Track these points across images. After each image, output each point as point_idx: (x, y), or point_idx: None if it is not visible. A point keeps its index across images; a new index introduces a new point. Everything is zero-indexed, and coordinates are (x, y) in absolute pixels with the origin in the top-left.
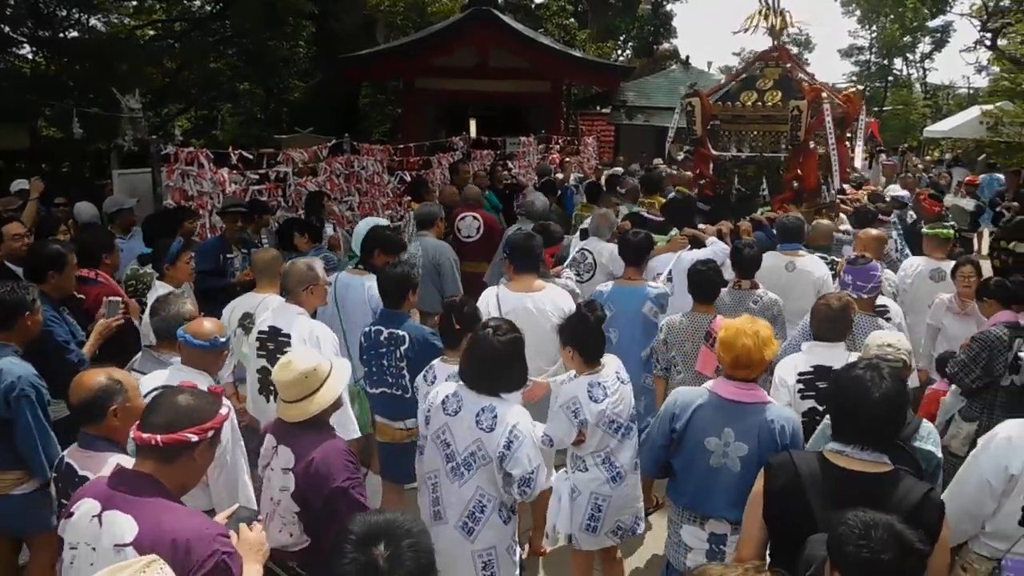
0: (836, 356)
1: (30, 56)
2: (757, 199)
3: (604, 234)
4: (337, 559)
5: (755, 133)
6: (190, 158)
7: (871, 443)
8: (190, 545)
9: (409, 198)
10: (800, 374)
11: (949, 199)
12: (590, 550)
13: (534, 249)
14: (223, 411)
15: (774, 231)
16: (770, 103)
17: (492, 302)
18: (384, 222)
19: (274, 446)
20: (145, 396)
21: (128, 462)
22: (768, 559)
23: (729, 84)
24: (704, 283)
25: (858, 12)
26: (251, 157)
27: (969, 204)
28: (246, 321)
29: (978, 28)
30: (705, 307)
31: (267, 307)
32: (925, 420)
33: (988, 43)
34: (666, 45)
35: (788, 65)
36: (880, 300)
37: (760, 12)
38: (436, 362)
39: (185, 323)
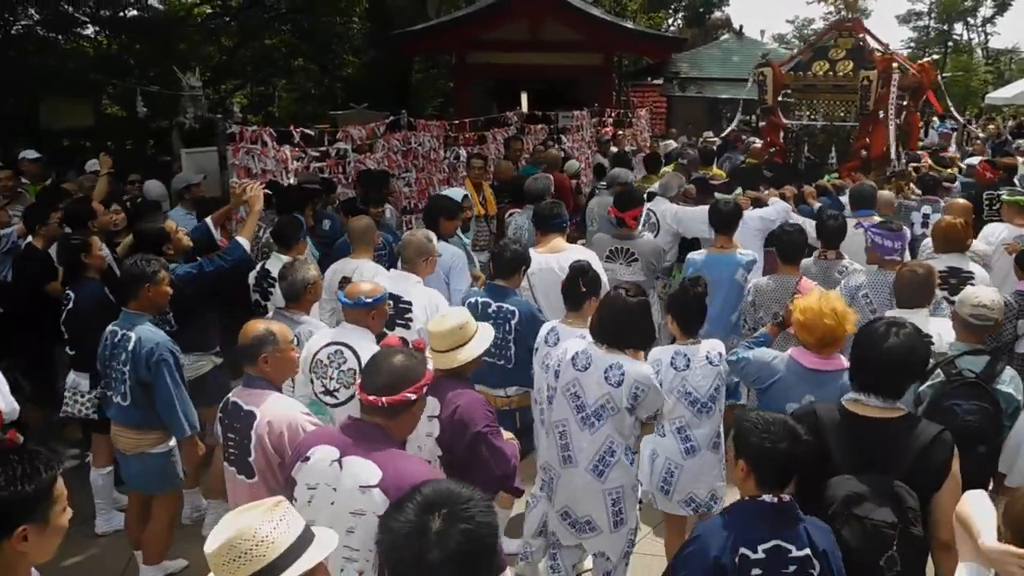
0: (919, 322)
1: (92, 35)
2: (826, 167)
3: (671, 191)
4: (394, 514)
5: (826, 102)
6: (254, 136)
7: (883, 391)
8: None
9: (465, 174)
10: None
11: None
12: (677, 515)
13: (557, 216)
14: (430, 366)
15: (839, 197)
16: (841, 73)
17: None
18: (461, 192)
19: None
20: (319, 350)
21: (279, 400)
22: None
23: (801, 54)
24: (790, 245)
25: None
26: (312, 134)
27: None
28: (344, 284)
29: None
30: (790, 268)
31: (362, 272)
32: (1008, 366)
33: None
34: (718, 14)
35: (862, 36)
36: (969, 266)
37: None
38: (559, 324)
39: (309, 286)
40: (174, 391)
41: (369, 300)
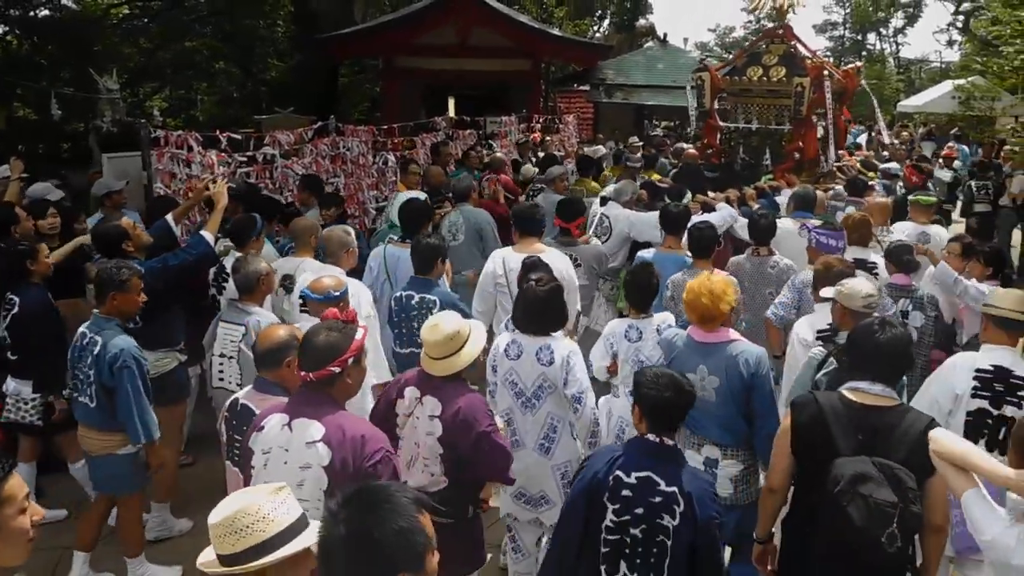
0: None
1: (1, 35)
2: (760, 168)
3: (623, 196)
4: (328, 501)
5: (760, 106)
6: (179, 141)
7: (883, 379)
8: (365, 440)
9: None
10: (818, 331)
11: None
12: None
13: (536, 216)
14: (358, 336)
15: (775, 198)
16: (775, 78)
17: (499, 262)
18: (421, 195)
19: (417, 397)
20: None
21: (278, 411)
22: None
23: (736, 59)
24: (701, 240)
25: None
26: (239, 139)
27: (946, 175)
28: (287, 282)
29: (951, 11)
30: (702, 262)
31: (304, 269)
32: None
33: (960, 25)
34: (642, 22)
35: (793, 43)
36: (872, 257)
37: None
38: (508, 318)
39: (262, 278)
40: (134, 398)
41: (336, 294)
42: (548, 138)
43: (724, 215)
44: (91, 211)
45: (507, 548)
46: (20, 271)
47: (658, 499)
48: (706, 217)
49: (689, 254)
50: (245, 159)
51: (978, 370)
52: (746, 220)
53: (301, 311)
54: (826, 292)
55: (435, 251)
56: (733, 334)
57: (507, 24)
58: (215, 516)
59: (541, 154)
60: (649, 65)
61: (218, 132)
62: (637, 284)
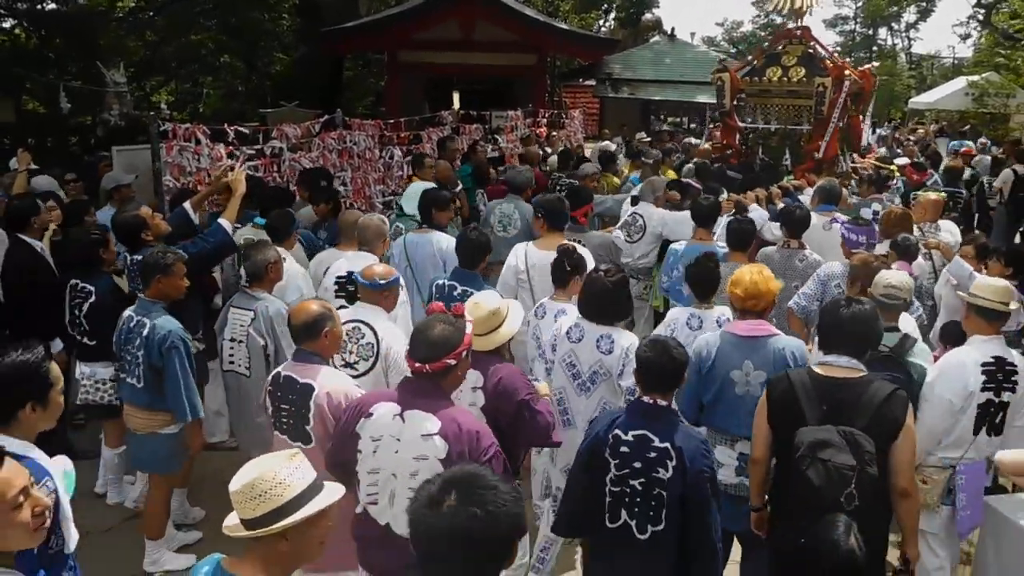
0: None
1: (9, 28)
2: (780, 168)
3: (650, 198)
4: (424, 484)
5: (779, 106)
6: (188, 134)
7: (848, 350)
8: (480, 435)
9: (412, 173)
10: None
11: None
12: None
13: (564, 211)
14: (468, 330)
15: (799, 198)
16: (795, 79)
17: (521, 256)
18: (431, 185)
19: None
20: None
21: (334, 372)
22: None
23: (755, 60)
24: (740, 235)
25: None
26: (246, 132)
27: (965, 174)
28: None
29: (973, 3)
30: (738, 256)
31: (338, 260)
32: (920, 341)
33: (981, 17)
34: (649, 16)
35: (811, 43)
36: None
37: None
38: (546, 300)
39: (270, 265)
40: (182, 377)
41: (383, 282)
42: (554, 133)
43: (757, 216)
44: (101, 204)
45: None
46: (93, 260)
47: (652, 454)
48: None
49: (720, 245)
50: (253, 152)
51: (983, 364)
52: (775, 223)
53: (337, 296)
54: None
55: (481, 247)
56: (773, 328)
57: (512, 18)
58: (236, 483)
59: (548, 149)
60: (656, 60)
61: (226, 125)
62: (699, 274)
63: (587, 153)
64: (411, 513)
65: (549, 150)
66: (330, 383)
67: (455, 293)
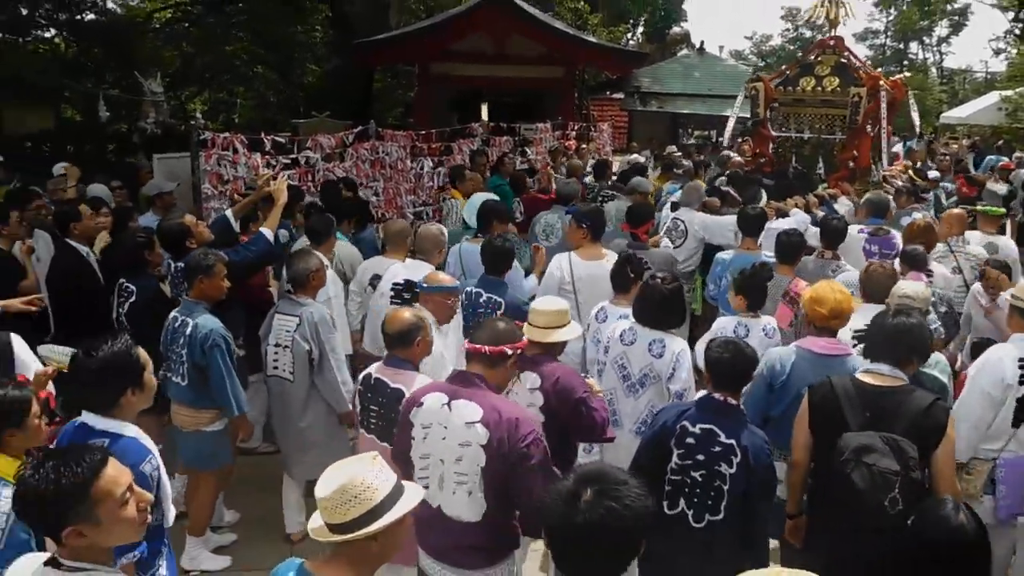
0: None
1: (49, 38)
2: (813, 177)
3: (693, 204)
4: (557, 482)
5: (813, 116)
6: (226, 143)
7: (891, 360)
8: (519, 422)
9: (451, 184)
10: (855, 331)
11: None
12: None
13: (605, 221)
14: (524, 338)
15: (834, 206)
16: (828, 89)
17: (565, 267)
18: (494, 197)
19: (516, 372)
20: None
21: (424, 379)
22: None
23: (788, 70)
24: (789, 247)
25: None
26: (282, 142)
27: (1002, 188)
28: (375, 280)
29: (1010, 17)
30: (786, 269)
31: (393, 267)
32: (938, 353)
33: (1019, 31)
34: (677, 29)
35: (845, 53)
36: (929, 265)
37: (821, 3)
38: (607, 304)
39: (312, 273)
40: (225, 374)
41: (449, 286)
42: (583, 146)
43: (799, 220)
44: (142, 210)
45: None
46: (139, 262)
47: (717, 449)
48: (787, 222)
49: (767, 254)
50: (288, 162)
51: (1020, 359)
52: (814, 229)
53: (392, 302)
54: None
55: (506, 255)
56: (849, 347)
57: (542, 31)
58: (324, 489)
59: (576, 160)
60: (685, 73)
61: (263, 135)
62: (756, 284)
63: (615, 166)
64: (546, 508)
65: (578, 162)
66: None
67: (481, 300)
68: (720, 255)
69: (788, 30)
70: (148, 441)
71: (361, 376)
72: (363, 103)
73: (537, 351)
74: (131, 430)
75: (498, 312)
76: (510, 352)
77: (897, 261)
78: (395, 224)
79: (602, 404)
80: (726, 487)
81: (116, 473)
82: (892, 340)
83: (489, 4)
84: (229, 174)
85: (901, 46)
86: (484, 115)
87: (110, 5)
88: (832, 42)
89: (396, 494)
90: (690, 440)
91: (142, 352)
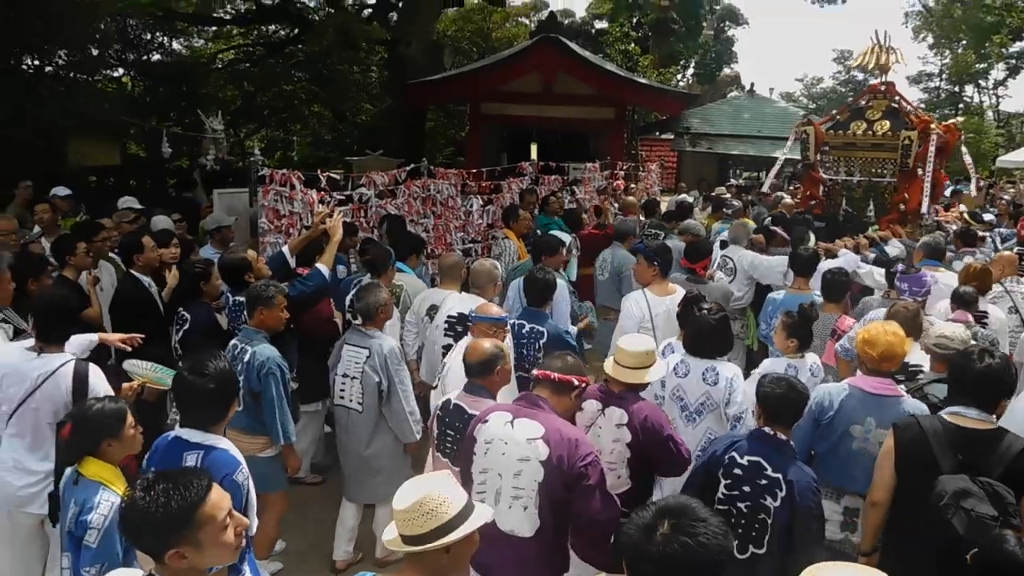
0: (912, 354)
1: (117, 77)
2: (864, 220)
3: (741, 241)
4: (637, 511)
5: (863, 159)
6: (284, 179)
7: (980, 404)
8: (579, 443)
9: (501, 223)
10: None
11: None
12: None
13: (672, 259)
14: (589, 378)
15: (885, 248)
16: (879, 132)
17: (643, 304)
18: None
19: (599, 408)
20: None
21: (501, 410)
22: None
23: (839, 114)
24: (835, 286)
25: (930, 38)
26: (337, 178)
27: None
28: (432, 311)
29: None
30: (833, 307)
31: (448, 301)
32: None
33: None
34: (727, 71)
35: (896, 97)
36: (982, 306)
37: (871, 49)
38: (673, 340)
39: (381, 307)
40: (276, 402)
41: (500, 317)
42: (632, 185)
43: (848, 260)
44: (202, 243)
45: None
46: (194, 290)
47: (764, 482)
48: (835, 262)
49: (817, 294)
50: (343, 198)
51: None
52: (868, 267)
53: (446, 335)
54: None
55: (548, 286)
56: (901, 390)
57: (592, 72)
58: (402, 501)
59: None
60: (735, 115)
61: (319, 172)
62: (804, 325)
63: (663, 206)
64: (624, 536)
65: (617, 205)
66: None
67: (524, 331)
68: (772, 295)
69: (839, 72)
70: (237, 452)
71: (441, 401)
72: (415, 141)
73: (622, 387)
74: (223, 442)
75: (540, 342)
76: (576, 383)
77: (932, 300)
78: (450, 257)
79: (683, 440)
80: (770, 520)
81: (219, 498)
82: (980, 383)
83: (541, 46)
84: (285, 209)
85: (956, 89)
86: (534, 154)
87: (176, 46)
88: (883, 87)
89: (467, 511)
90: (737, 471)
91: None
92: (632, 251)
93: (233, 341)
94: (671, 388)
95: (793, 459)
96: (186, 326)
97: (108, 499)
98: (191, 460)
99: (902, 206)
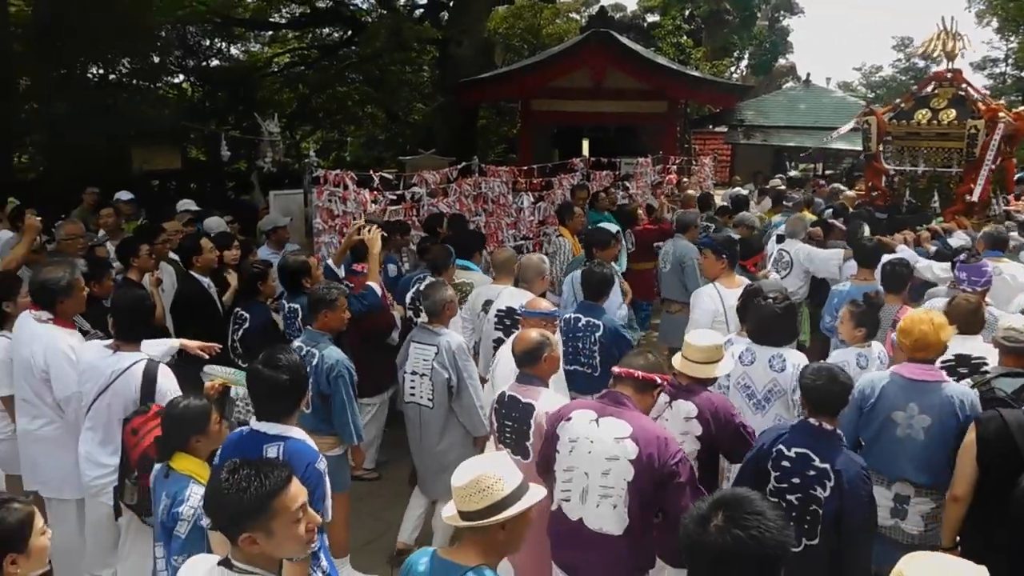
0: (973, 346)
1: (177, 83)
2: (927, 211)
3: (799, 235)
4: (697, 503)
5: (928, 149)
6: (337, 180)
7: None
8: (668, 441)
9: (554, 219)
10: (943, 361)
11: None
12: None
13: (737, 252)
14: (670, 377)
15: (948, 240)
16: (945, 121)
17: (716, 299)
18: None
19: (666, 402)
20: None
21: (552, 394)
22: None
23: (903, 103)
24: (894, 277)
25: (994, 22)
26: (390, 178)
27: None
28: (487, 306)
29: None
30: (893, 298)
31: (502, 295)
32: None
33: None
34: (783, 62)
35: (963, 85)
36: None
37: (937, 35)
38: (733, 335)
39: (447, 304)
40: (347, 403)
41: (549, 312)
42: (685, 180)
43: (905, 255)
44: (259, 244)
45: None
46: (252, 290)
47: (812, 473)
48: (888, 256)
49: (881, 287)
50: (395, 197)
51: None
52: (926, 262)
53: (496, 328)
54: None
55: (606, 281)
56: (944, 375)
57: (644, 67)
58: (460, 479)
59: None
60: (790, 106)
61: (372, 172)
62: (872, 314)
63: (717, 200)
64: (681, 527)
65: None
66: (549, 404)
67: (579, 324)
68: (837, 287)
69: (899, 60)
70: (312, 442)
71: (497, 394)
72: (467, 140)
73: (690, 381)
74: (299, 433)
75: (597, 335)
76: (659, 382)
77: (997, 292)
78: (503, 253)
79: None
80: (821, 511)
81: (297, 492)
82: None
83: (592, 41)
84: (339, 209)
85: (1023, 74)
86: (585, 150)
87: (234, 51)
88: (949, 74)
89: (521, 491)
90: (786, 463)
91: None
92: (698, 245)
93: (297, 343)
94: (736, 377)
95: (840, 448)
96: (246, 325)
97: (197, 492)
98: (272, 452)
99: (968, 197)
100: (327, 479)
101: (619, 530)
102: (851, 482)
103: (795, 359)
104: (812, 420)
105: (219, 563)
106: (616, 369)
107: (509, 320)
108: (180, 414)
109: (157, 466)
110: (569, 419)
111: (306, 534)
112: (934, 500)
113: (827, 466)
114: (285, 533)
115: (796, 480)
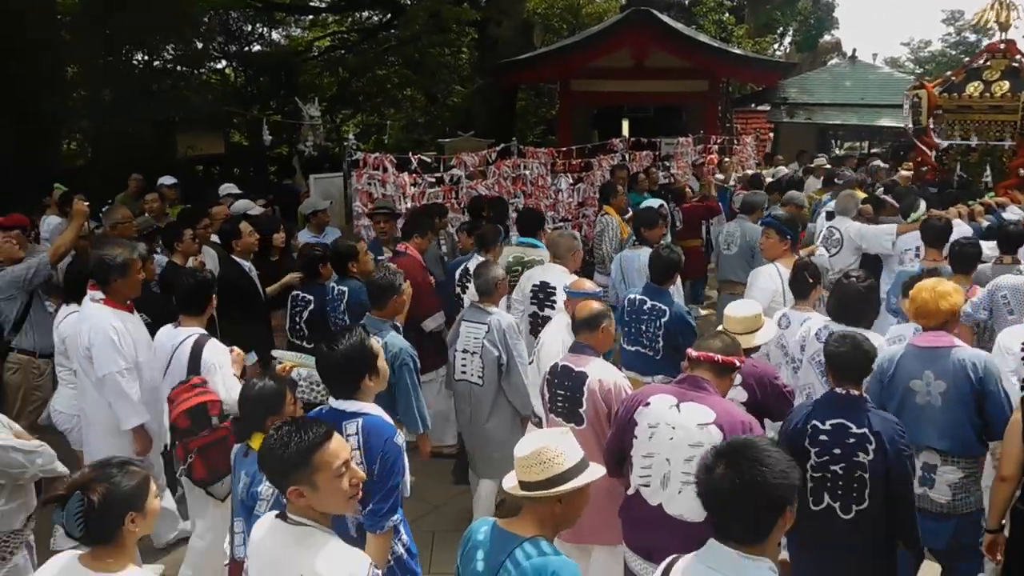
0: None
1: (220, 69)
2: (978, 186)
3: (851, 211)
4: (707, 452)
5: (980, 122)
6: (376, 163)
7: None
8: (752, 427)
9: (595, 199)
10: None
11: None
12: None
13: (799, 231)
14: (744, 357)
15: (1002, 215)
16: (997, 94)
17: (777, 279)
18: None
19: None
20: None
21: (604, 363)
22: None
23: (954, 75)
24: (964, 257)
25: None
26: (429, 161)
27: None
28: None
29: None
30: (960, 278)
31: (535, 270)
32: None
33: None
34: (828, 38)
35: (1017, 56)
36: None
37: (991, 5)
38: (788, 310)
39: (499, 283)
40: (412, 392)
41: (594, 291)
42: (726, 159)
43: (960, 231)
44: (300, 227)
45: None
46: (314, 273)
47: (852, 440)
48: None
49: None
50: (433, 180)
51: None
52: (987, 240)
53: (531, 303)
54: None
55: (673, 264)
56: (957, 340)
57: (684, 45)
58: (523, 450)
59: (719, 176)
60: (835, 83)
61: (411, 155)
62: None
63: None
64: (696, 476)
65: (721, 177)
66: (601, 372)
67: (645, 307)
68: (903, 268)
69: (949, 34)
70: (388, 417)
71: (550, 366)
72: (506, 121)
73: None
74: (375, 409)
75: (662, 320)
76: (737, 364)
77: None
78: (550, 235)
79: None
80: (867, 475)
81: (337, 448)
82: None
83: (632, 20)
84: (378, 192)
85: None
86: (625, 130)
87: (275, 36)
88: (1003, 45)
89: (582, 466)
90: (823, 437)
91: (374, 342)
92: (761, 224)
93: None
94: (811, 352)
95: (872, 411)
96: (311, 307)
97: None
98: (351, 428)
99: (1022, 171)
100: (405, 454)
101: (700, 517)
102: (891, 440)
103: (875, 340)
104: (839, 389)
105: (276, 515)
106: (694, 353)
107: (543, 294)
108: (256, 395)
109: (237, 445)
110: (647, 404)
111: (350, 488)
112: (961, 469)
113: (864, 430)
114: (328, 487)
115: (837, 451)
